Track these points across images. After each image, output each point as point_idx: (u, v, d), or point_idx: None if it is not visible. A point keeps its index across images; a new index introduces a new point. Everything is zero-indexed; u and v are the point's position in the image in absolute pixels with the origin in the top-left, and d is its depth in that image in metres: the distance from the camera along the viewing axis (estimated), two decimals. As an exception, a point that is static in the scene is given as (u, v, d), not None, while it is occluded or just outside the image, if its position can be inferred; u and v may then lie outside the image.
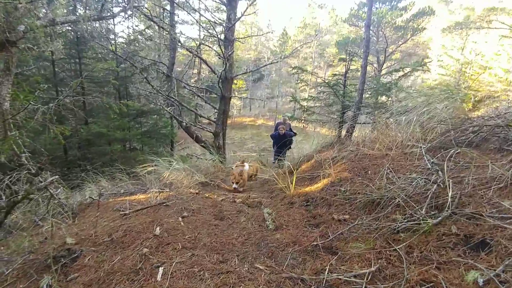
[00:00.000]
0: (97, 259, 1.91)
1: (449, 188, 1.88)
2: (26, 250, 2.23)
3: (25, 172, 2.79)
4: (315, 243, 1.93)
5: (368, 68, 8.65)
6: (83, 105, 9.84)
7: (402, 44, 16.08)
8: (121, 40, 11.87)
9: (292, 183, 3.46)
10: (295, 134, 7.72)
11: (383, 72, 11.86)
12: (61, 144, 6.76)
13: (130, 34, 11.03)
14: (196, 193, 3.87)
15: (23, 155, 3.21)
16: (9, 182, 3.05)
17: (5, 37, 2.48)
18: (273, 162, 7.60)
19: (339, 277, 1.49)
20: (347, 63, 6.27)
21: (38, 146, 4.76)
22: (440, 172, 2.21)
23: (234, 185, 4.58)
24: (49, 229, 2.66)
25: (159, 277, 1.63)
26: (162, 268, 1.72)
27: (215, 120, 8.40)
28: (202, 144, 8.21)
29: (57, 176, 3.76)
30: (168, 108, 8.23)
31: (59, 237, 2.44)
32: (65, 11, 9.11)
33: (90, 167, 6.75)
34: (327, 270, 1.58)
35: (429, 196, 1.96)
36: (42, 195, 3.63)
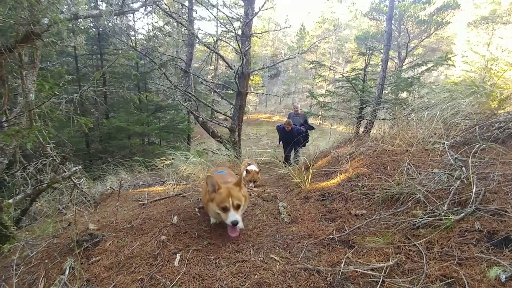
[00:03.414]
0: (117, 244, 1.98)
1: (473, 184, 1.81)
2: (51, 235, 2.34)
3: (50, 159, 2.91)
4: (331, 236, 1.91)
5: (389, 63, 8.39)
6: (105, 100, 10.19)
7: (425, 38, 15.48)
8: (140, 36, 12.13)
9: (308, 178, 3.44)
10: (312, 128, 6.97)
11: (405, 67, 11.48)
12: (85, 133, 7.04)
13: (149, 31, 11.26)
14: (212, 186, 3.92)
15: (48, 145, 3.36)
16: (34, 171, 3.21)
17: (29, 29, 2.60)
18: (284, 163, 6.56)
19: (356, 269, 1.47)
20: (367, 57, 6.11)
21: (62, 138, 4.98)
22: (463, 168, 2.13)
23: (251, 184, 3.46)
24: (72, 216, 2.79)
25: (176, 263, 1.67)
26: (179, 254, 1.76)
27: (231, 115, 8.46)
28: (218, 139, 8.30)
29: (80, 167, 3.93)
30: (186, 103, 8.37)
31: (81, 224, 2.55)
32: (86, 6, 9.43)
33: (111, 160, 7.00)
34: (343, 262, 1.56)
35: (452, 192, 1.89)
36: (66, 185, 3.81)
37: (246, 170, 3.78)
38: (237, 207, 1.89)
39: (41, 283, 1.69)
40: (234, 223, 1.84)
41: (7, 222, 2.57)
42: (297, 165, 5.03)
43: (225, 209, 1.87)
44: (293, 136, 6.20)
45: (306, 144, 6.82)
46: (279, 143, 6.90)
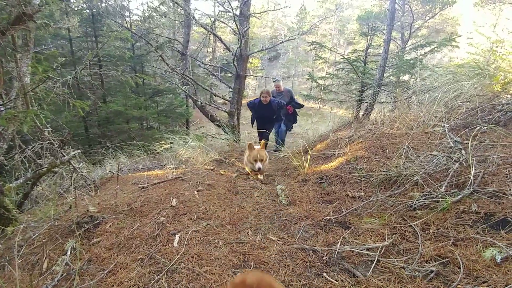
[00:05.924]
0: (117, 225, 2.01)
1: (472, 166, 1.80)
2: (52, 218, 2.37)
3: (47, 142, 2.89)
4: (328, 217, 1.93)
5: (392, 45, 8.17)
6: (101, 84, 10.04)
7: (429, 19, 15.00)
8: (135, 17, 11.78)
9: (306, 161, 3.44)
10: (301, 106, 6.05)
11: (407, 49, 11.23)
12: (83, 117, 6.94)
13: (144, 11, 10.92)
14: (211, 170, 3.94)
15: (46, 129, 3.34)
16: (33, 155, 3.20)
17: (21, 10, 2.51)
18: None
19: (352, 249, 1.50)
20: (368, 38, 5.95)
21: (60, 123, 4.95)
22: (463, 151, 2.12)
23: (259, 164, 3.17)
24: (73, 200, 2.81)
25: (175, 243, 1.70)
26: (178, 235, 1.79)
27: (230, 99, 8.35)
28: (217, 123, 8.24)
29: (79, 151, 3.93)
30: (183, 87, 8.24)
31: (82, 206, 2.58)
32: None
33: (110, 144, 6.99)
34: (339, 242, 1.58)
35: (450, 174, 1.89)
36: (66, 169, 3.83)
37: (249, 145, 3.33)
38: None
39: (44, 263, 1.72)
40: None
41: (9, 205, 2.60)
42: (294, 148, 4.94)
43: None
44: (271, 111, 5.05)
45: (294, 125, 6.11)
46: (252, 124, 5.67)
